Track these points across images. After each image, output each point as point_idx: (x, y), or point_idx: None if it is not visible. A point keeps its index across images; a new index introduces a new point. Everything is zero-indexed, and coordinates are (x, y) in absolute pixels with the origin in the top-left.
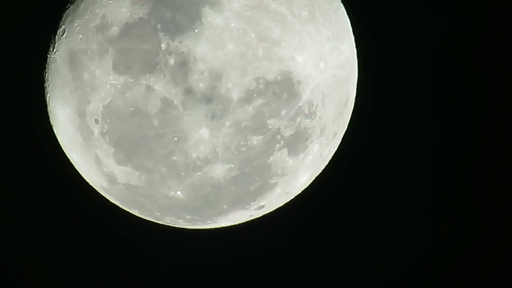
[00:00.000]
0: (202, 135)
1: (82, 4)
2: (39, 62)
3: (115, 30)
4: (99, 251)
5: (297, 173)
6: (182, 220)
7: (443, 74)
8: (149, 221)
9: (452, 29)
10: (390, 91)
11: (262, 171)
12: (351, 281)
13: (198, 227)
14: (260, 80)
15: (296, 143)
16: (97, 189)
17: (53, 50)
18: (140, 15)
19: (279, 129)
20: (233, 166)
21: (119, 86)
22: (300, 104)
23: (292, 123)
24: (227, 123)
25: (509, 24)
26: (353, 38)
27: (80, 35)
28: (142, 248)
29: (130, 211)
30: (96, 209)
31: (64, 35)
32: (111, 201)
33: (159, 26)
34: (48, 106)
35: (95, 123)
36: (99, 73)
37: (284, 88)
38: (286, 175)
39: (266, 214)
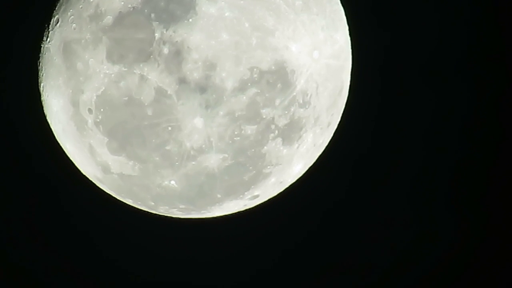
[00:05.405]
0: (196, 125)
1: None
2: (33, 52)
3: (108, 19)
4: (93, 241)
5: (291, 163)
6: (176, 209)
7: (438, 64)
8: (143, 210)
9: (448, 20)
10: (384, 80)
11: (256, 160)
12: (344, 270)
13: (192, 217)
14: (254, 69)
15: (290, 132)
16: (91, 178)
17: (46, 40)
18: (134, 4)
19: (273, 118)
20: (227, 155)
21: (112, 75)
22: (294, 93)
23: (286, 112)
24: (221, 113)
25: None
26: (347, 27)
27: (74, 25)
28: (136, 237)
29: (124, 201)
30: (89, 199)
31: (58, 24)
32: (105, 190)
33: (153, 15)
34: (42, 96)
35: (88, 113)
36: (93, 63)
37: (278, 78)
38: (280, 164)
39: (260, 204)
